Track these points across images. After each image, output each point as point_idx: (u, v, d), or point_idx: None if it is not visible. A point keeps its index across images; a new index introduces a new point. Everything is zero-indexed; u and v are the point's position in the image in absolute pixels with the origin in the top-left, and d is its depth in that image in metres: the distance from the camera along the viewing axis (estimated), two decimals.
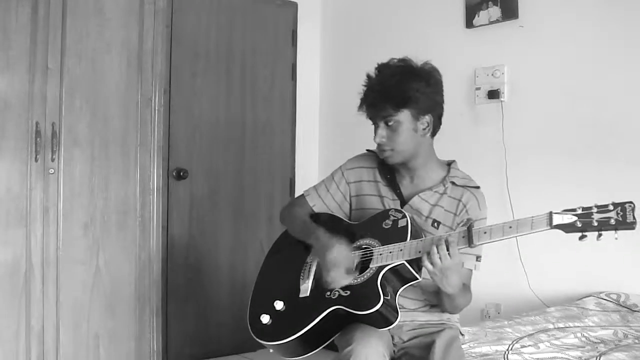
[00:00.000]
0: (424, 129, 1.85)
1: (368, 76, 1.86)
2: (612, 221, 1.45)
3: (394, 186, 1.90)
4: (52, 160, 2.54)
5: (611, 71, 2.83)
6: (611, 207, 1.47)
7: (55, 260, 2.54)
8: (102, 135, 2.67)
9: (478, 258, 1.83)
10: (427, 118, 1.85)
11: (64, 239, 2.57)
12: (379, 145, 1.85)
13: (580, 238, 1.49)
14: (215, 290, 3.65)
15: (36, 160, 2.50)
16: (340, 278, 1.72)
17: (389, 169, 1.93)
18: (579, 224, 1.48)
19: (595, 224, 1.47)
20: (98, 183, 2.66)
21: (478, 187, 1.89)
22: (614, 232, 1.46)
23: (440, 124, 1.90)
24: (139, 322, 2.77)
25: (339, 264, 1.73)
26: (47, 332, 2.52)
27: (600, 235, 1.48)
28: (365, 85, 1.86)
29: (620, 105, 2.80)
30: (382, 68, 1.85)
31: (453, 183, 1.87)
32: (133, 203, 2.75)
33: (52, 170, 2.54)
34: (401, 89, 1.79)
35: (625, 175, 2.73)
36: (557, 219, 1.50)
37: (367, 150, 2.02)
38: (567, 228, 1.49)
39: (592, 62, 2.89)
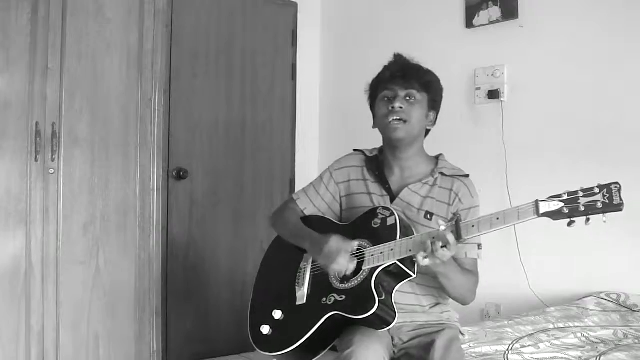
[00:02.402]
0: (430, 121, 1.93)
1: (396, 55, 1.94)
2: (599, 204, 1.43)
3: (382, 182, 1.91)
4: (52, 160, 2.54)
5: (611, 71, 2.83)
6: (597, 190, 1.44)
7: (55, 260, 2.54)
8: (102, 135, 2.67)
9: (479, 246, 1.84)
10: (433, 114, 1.93)
11: (64, 239, 2.57)
12: (394, 112, 1.83)
13: (569, 224, 1.46)
14: (215, 290, 3.65)
15: (36, 160, 2.50)
16: (347, 262, 1.71)
17: (377, 166, 1.94)
18: (565, 210, 1.46)
19: (582, 208, 1.44)
20: (98, 183, 2.66)
21: (467, 176, 1.91)
22: (602, 215, 1.43)
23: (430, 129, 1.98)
24: (139, 322, 2.77)
25: (340, 250, 1.72)
26: (47, 332, 2.52)
27: (588, 220, 1.44)
28: (393, 60, 1.93)
29: (620, 105, 2.80)
30: (403, 57, 1.93)
31: (442, 174, 1.89)
32: (133, 203, 2.75)
33: (52, 170, 2.54)
34: (428, 75, 1.90)
35: (625, 175, 2.71)
36: (544, 207, 1.47)
37: (355, 150, 2.03)
38: (555, 215, 1.47)
39: (592, 62, 2.89)
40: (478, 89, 3.26)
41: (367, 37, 3.90)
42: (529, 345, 2.08)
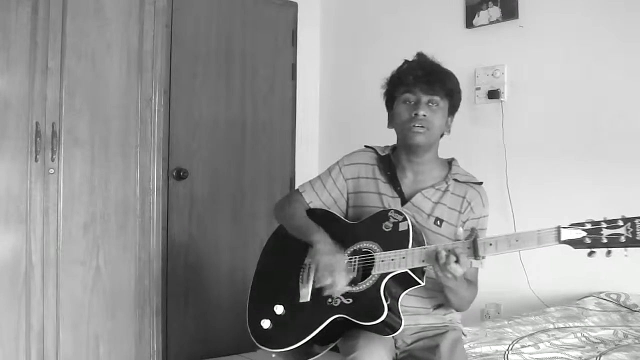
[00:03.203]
0: (447, 127, 1.89)
1: (419, 54, 1.90)
2: (623, 238, 1.41)
3: (394, 183, 1.87)
4: (52, 160, 2.54)
5: (611, 71, 2.83)
6: (621, 223, 1.42)
7: (55, 260, 2.54)
8: (102, 135, 2.67)
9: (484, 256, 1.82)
10: (450, 119, 1.90)
11: (64, 239, 2.57)
12: (417, 119, 1.78)
13: (589, 254, 1.45)
14: (215, 290, 3.65)
15: (36, 160, 2.50)
16: (340, 285, 1.69)
17: (389, 166, 1.89)
18: (588, 240, 1.44)
19: (605, 240, 1.43)
20: (98, 183, 2.66)
21: (481, 184, 1.88)
22: (623, 249, 1.42)
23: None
24: (139, 322, 2.77)
25: (338, 269, 1.70)
26: (47, 332, 2.52)
27: (609, 252, 1.44)
28: (417, 59, 1.88)
29: (620, 105, 2.80)
30: (427, 58, 1.89)
31: (456, 180, 1.86)
32: (133, 203, 2.75)
33: (52, 170, 2.54)
34: (450, 81, 1.86)
35: (625, 175, 2.73)
36: (566, 234, 1.46)
37: (365, 146, 1.99)
38: (576, 244, 1.46)
39: (592, 62, 2.89)
40: (478, 89, 3.26)
41: (367, 37, 3.89)
42: (529, 345, 2.08)
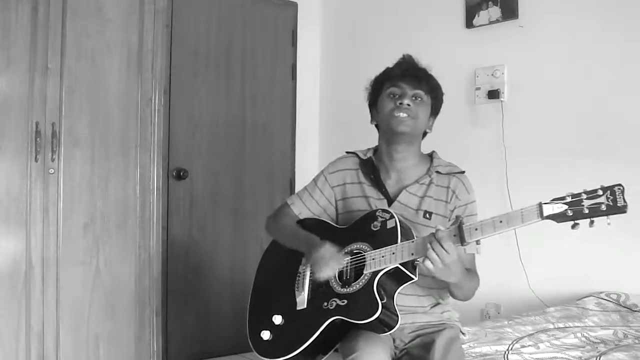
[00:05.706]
0: (429, 125, 1.93)
1: (405, 55, 1.95)
2: (603, 207, 1.42)
3: (379, 185, 1.90)
4: (52, 160, 2.54)
5: (611, 71, 2.83)
6: (600, 192, 1.44)
7: (55, 260, 2.54)
8: (102, 135, 2.67)
9: (478, 241, 1.81)
10: (432, 119, 1.94)
11: (64, 239, 2.57)
12: (402, 108, 1.82)
13: (573, 227, 1.46)
14: (215, 290, 3.66)
15: (36, 160, 2.50)
16: (332, 273, 1.74)
17: (372, 169, 1.92)
18: (570, 213, 1.45)
19: (587, 211, 1.44)
20: (98, 183, 2.66)
21: (463, 172, 1.91)
22: (606, 218, 1.43)
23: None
24: (139, 322, 2.77)
25: (329, 261, 1.73)
26: (47, 332, 2.52)
27: (592, 222, 1.44)
28: (403, 59, 1.93)
29: (620, 105, 2.80)
30: (413, 58, 1.94)
31: (438, 172, 1.89)
32: (133, 203, 2.75)
33: (52, 170, 2.54)
34: (435, 81, 1.91)
35: (625, 175, 2.71)
36: (548, 209, 1.47)
37: (347, 152, 2.02)
38: (559, 218, 1.47)
39: (592, 61, 2.89)
40: (478, 89, 3.26)
41: (367, 37, 3.89)
42: (529, 345, 2.08)
